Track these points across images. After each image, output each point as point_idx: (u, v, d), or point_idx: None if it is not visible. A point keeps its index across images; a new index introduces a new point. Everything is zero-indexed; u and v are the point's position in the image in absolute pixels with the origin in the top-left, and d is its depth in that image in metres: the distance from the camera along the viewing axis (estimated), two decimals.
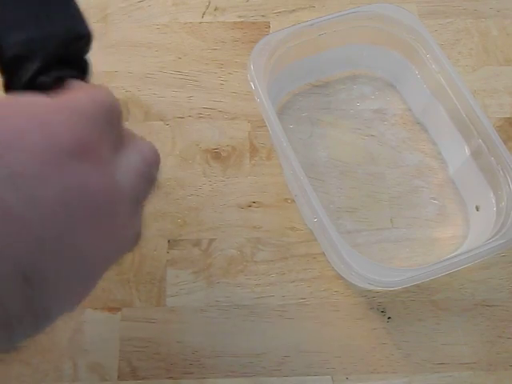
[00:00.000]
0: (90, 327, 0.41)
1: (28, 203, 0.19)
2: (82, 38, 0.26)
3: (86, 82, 0.27)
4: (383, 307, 0.42)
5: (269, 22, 0.52)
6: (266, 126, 0.42)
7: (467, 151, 0.44)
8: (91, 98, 0.23)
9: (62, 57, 0.25)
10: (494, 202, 0.42)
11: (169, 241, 0.43)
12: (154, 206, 0.45)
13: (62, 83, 0.25)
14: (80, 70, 0.27)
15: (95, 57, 0.50)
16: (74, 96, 0.23)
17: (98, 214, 0.21)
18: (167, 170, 0.46)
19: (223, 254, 0.43)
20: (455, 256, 0.38)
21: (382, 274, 0.37)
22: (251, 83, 0.42)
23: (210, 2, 0.53)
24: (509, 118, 0.49)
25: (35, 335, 0.21)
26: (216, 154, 0.47)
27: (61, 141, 0.20)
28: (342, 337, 0.41)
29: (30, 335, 0.21)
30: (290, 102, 0.49)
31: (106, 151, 0.22)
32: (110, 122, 0.23)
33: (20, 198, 0.19)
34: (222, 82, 0.50)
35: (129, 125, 0.48)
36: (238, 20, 0.53)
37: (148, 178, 0.25)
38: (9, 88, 0.25)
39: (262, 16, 0.53)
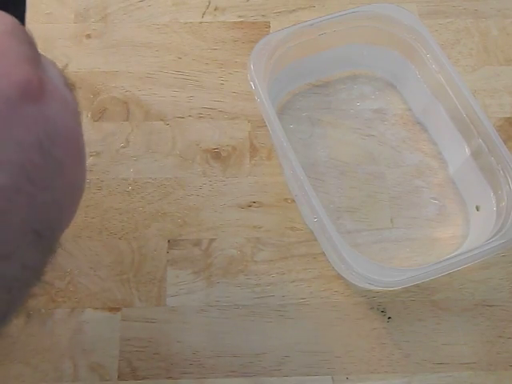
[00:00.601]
0: (90, 327, 0.41)
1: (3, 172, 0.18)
2: None
3: None
4: (383, 307, 0.42)
5: (269, 22, 0.52)
6: (266, 125, 0.42)
7: (467, 151, 0.44)
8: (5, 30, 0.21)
9: None
10: (494, 202, 0.42)
11: (169, 241, 0.43)
12: (154, 206, 0.45)
13: None
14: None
15: (95, 57, 0.50)
16: None
17: (74, 135, 0.21)
18: (167, 170, 0.46)
19: (223, 254, 0.43)
20: (455, 256, 0.38)
21: (382, 274, 0.37)
22: (251, 83, 0.42)
23: (210, 2, 0.53)
24: (509, 117, 0.49)
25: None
26: (216, 154, 0.47)
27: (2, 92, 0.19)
28: (342, 337, 0.41)
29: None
30: (290, 102, 0.49)
31: (46, 69, 0.21)
32: (30, 44, 0.21)
33: None
34: (222, 82, 0.50)
35: (129, 125, 0.48)
36: (238, 20, 0.53)
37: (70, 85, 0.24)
38: None
39: (262, 16, 0.53)
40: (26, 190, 0.19)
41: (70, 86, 0.24)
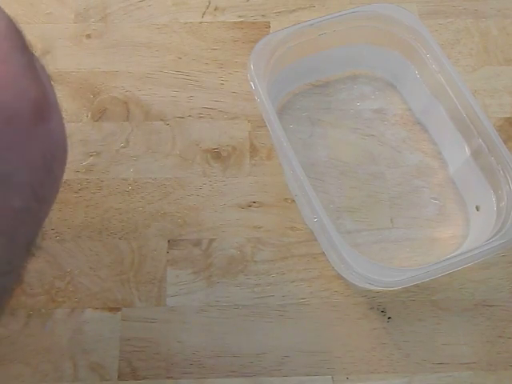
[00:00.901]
0: (90, 327, 0.41)
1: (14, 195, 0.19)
2: None
3: None
4: (383, 307, 0.42)
5: (269, 22, 0.52)
6: (266, 125, 0.42)
7: (467, 151, 0.44)
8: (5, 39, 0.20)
9: None
10: (494, 201, 0.42)
11: (169, 241, 0.43)
12: (154, 206, 0.45)
13: None
14: None
15: (95, 57, 0.50)
16: None
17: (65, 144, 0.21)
18: (167, 170, 0.46)
19: (223, 254, 0.43)
20: (455, 256, 0.38)
21: (382, 274, 0.37)
22: (251, 83, 0.42)
23: (210, 2, 0.53)
24: (509, 117, 0.49)
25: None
26: (216, 154, 0.47)
27: (12, 114, 0.18)
28: (342, 337, 0.41)
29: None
30: (290, 102, 0.49)
31: (47, 86, 0.21)
32: (24, 48, 0.21)
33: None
34: (222, 81, 0.50)
35: (129, 125, 0.48)
36: (238, 20, 0.53)
37: None
38: None
39: (262, 16, 0.53)
40: (33, 209, 0.19)
41: (52, 82, 0.23)
